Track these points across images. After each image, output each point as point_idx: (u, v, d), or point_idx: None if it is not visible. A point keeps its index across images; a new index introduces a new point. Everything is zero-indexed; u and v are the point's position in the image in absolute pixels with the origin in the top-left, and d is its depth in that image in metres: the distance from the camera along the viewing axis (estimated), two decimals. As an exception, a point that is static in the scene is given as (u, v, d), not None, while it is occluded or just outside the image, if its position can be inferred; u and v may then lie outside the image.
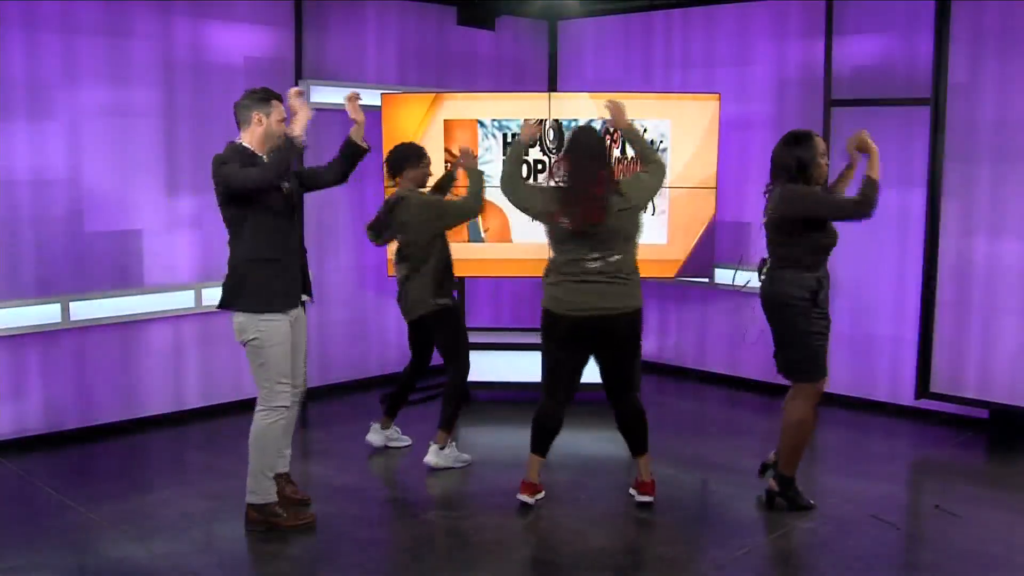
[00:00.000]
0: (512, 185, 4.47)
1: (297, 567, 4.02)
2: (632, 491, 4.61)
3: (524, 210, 4.48)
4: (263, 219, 4.07)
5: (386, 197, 5.24)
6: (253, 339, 4.10)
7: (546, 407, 4.48)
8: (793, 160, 4.30)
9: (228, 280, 4.14)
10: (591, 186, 4.25)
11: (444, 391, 5.15)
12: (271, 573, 4.02)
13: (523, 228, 6.28)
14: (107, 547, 4.05)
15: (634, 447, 4.57)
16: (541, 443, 4.50)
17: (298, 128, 3.95)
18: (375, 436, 5.35)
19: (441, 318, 5.03)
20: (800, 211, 4.28)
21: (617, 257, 4.31)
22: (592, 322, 4.30)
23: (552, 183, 4.47)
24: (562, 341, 4.39)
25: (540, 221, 4.44)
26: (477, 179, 5.00)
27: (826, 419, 6.09)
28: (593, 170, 4.29)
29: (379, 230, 5.13)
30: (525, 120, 4.60)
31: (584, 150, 4.33)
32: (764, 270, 4.44)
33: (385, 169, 5.16)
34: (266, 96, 4.14)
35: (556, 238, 4.36)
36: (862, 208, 4.21)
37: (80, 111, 5.29)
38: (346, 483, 4.86)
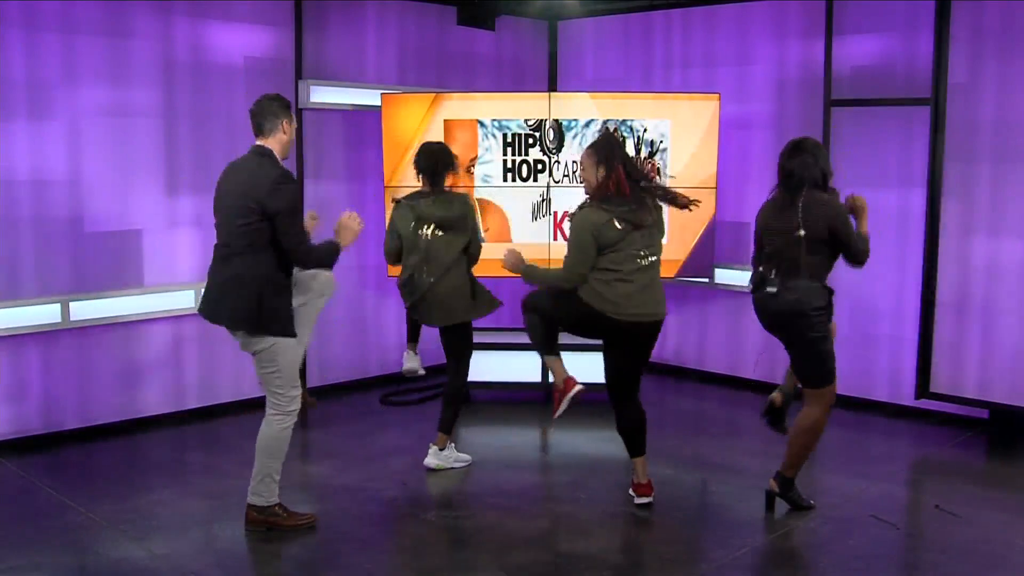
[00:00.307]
0: (560, 275, 4.38)
1: (297, 567, 4.02)
2: (631, 493, 4.61)
3: (590, 258, 4.29)
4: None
5: (420, 194, 4.99)
6: (270, 347, 4.07)
7: (534, 317, 4.43)
8: (819, 171, 4.30)
9: (250, 301, 3.98)
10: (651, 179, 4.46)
11: (444, 394, 5.13)
12: (271, 573, 4.03)
13: (523, 228, 6.29)
14: (107, 547, 4.05)
15: (634, 448, 4.56)
16: (549, 343, 4.46)
17: (348, 242, 4.27)
18: (412, 363, 5.34)
19: (467, 321, 5.07)
20: (837, 229, 4.27)
21: (657, 257, 4.37)
22: (630, 327, 4.30)
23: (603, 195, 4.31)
24: (588, 330, 4.39)
25: (600, 241, 4.28)
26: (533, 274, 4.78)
27: (826, 419, 6.10)
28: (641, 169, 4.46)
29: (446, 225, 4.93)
30: (506, 253, 4.57)
31: (626, 155, 4.39)
32: (770, 280, 4.36)
33: (427, 171, 4.94)
34: (288, 103, 4.14)
35: (607, 242, 4.24)
36: (863, 258, 4.35)
37: (80, 111, 5.29)
38: (346, 483, 4.87)
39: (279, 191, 3.96)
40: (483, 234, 5.13)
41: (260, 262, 4.01)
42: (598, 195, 4.30)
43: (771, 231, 4.39)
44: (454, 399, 5.09)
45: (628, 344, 4.39)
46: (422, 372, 5.35)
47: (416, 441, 5.41)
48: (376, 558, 4.07)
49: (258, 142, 4.10)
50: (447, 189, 4.99)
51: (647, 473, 4.57)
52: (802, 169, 4.27)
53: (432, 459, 5.06)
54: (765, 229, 4.43)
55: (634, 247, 4.26)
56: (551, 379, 4.58)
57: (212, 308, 4.12)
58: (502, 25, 7.23)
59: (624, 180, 4.27)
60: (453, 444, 5.17)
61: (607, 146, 4.36)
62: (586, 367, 5.59)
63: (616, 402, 4.52)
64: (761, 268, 4.42)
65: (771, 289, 4.34)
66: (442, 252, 4.89)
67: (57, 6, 5.16)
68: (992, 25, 5.51)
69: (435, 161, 4.96)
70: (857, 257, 4.34)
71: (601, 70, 7.38)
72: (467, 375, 5.17)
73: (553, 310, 4.43)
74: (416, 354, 5.32)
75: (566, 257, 4.35)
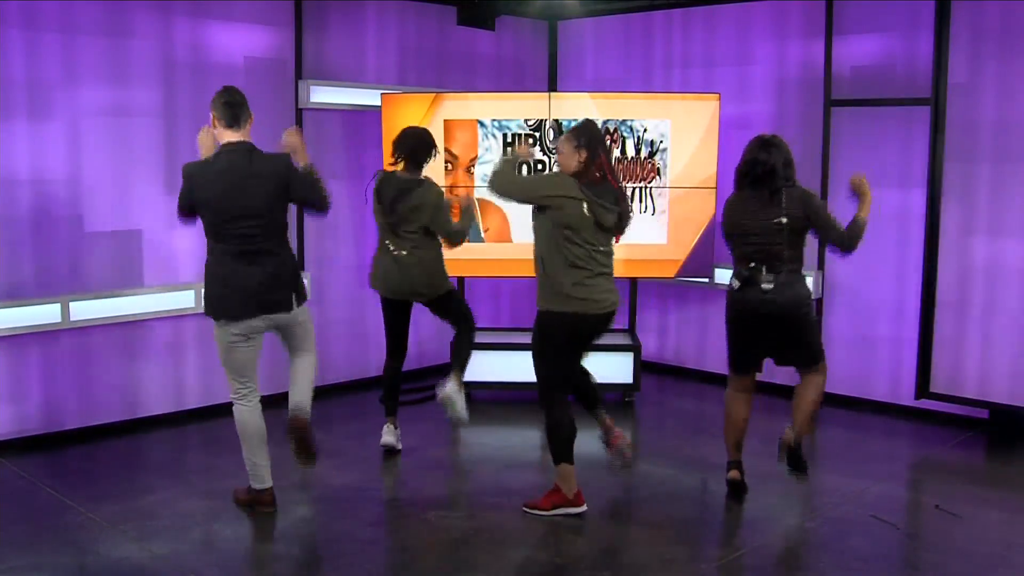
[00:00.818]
0: (507, 179, 4.37)
1: (297, 567, 4.02)
2: (605, 445, 4.68)
3: (528, 195, 4.26)
4: None
5: (391, 172, 5.14)
6: (307, 317, 4.40)
7: (563, 415, 4.36)
8: (793, 169, 4.43)
9: (293, 281, 4.25)
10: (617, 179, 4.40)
11: (462, 338, 5.20)
12: (271, 573, 4.03)
13: (523, 228, 6.27)
14: (107, 547, 4.06)
15: (591, 403, 4.67)
16: (569, 450, 4.41)
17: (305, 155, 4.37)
18: (390, 437, 5.31)
19: (452, 290, 5.25)
20: (815, 213, 4.39)
21: (609, 248, 4.34)
22: (602, 319, 4.29)
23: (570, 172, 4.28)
24: (577, 340, 4.34)
25: (552, 204, 4.19)
26: (469, 217, 5.18)
27: (826, 419, 6.10)
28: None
29: (385, 205, 5.05)
30: (524, 142, 4.54)
31: (608, 148, 4.35)
32: (763, 278, 4.38)
33: (403, 154, 5.04)
34: None
35: (564, 220, 4.16)
36: (852, 243, 4.39)
37: (80, 111, 5.29)
38: (346, 483, 4.87)
39: (295, 171, 4.20)
40: (455, 226, 5.11)
41: (287, 240, 4.30)
42: (582, 180, 4.21)
43: (750, 228, 4.42)
44: (472, 342, 5.20)
45: (591, 337, 4.37)
46: (399, 447, 5.33)
47: (416, 441, 5.42)
48: (376, 558, 4.07)
49: (231, 137, 4.14)
50: (422, 177, 5.06)
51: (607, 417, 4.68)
52: (784, 167, 4.38)
53: (451, 386, 5.07)
54: (742, 227, 4.45)
55: (594, 245, 4.23)
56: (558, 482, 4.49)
57: (262, 302, 4.19)
58: (502, 25, 7.23)
59: (608, 168, 4.25)
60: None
61: (589, 131, 4.28)
62: (591, 367, 5.63)
63: (564, 394, 4.43)
64: (751, 266, 4.42)
65: (766, 286, 4.37)
66: (414, 233, 5.01)
67: (57, 6, 5.16)
68: (992, 25, 5.51)
69: (420, 144, 5.05)
70: (843, 242, 4.39)
71: (601, 70, 7.38)
72: (472, 315, 5.27)
73: (546, 361, 4.36)
74: (395, 428, 5.32)
75: (517, 176, 4.40)
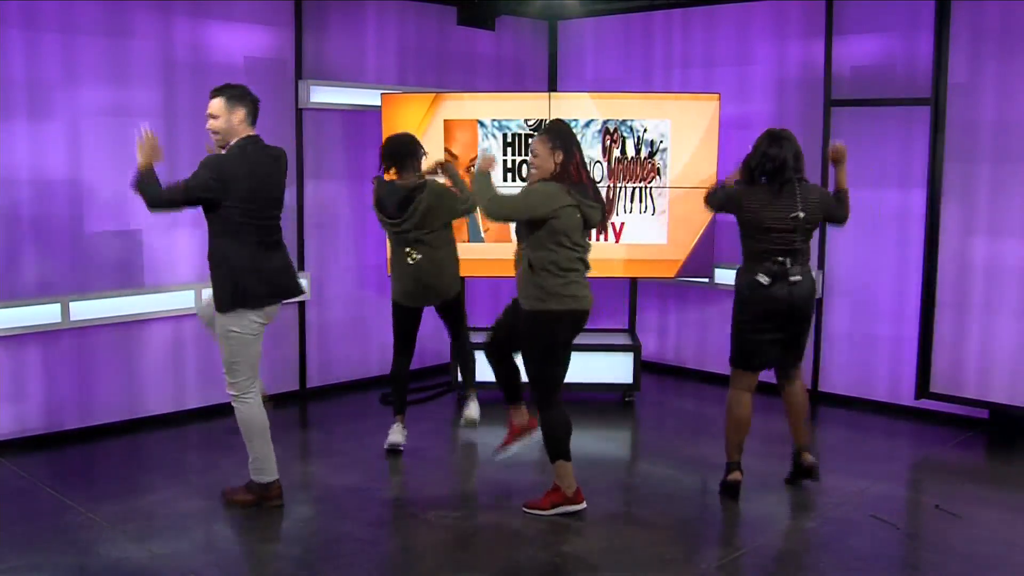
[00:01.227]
0: (504, 202, 4.27)
1: (297, 567, 4.01)
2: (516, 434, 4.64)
3: (534, 214, 4.17)
4: None
5: (389, 181, 5.17)
6: None
7: (560, 413, 4.37)
8: (801, 153, 4.54)
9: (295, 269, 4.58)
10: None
11: (465, 355, 5.49)
12: (271, 573, 4.03)
13: (523, 228, 6.29)
14: (107, 547, 4.05)
15: (513, 394, 4.60)
16: (566, 447, 4.42)
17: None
18: (398, 436, 5.32)
19: (460, 293, 5.35)
20: (831, 210, 4.64)
21: (589, 245, 4.36)
22: (586, 315, 4.34)
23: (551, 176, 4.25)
24: (569, 337, 4.34)
25: (554, 216, 4.15)
26: (461, 183, 5.18)
27: (826, 419, 6.10)
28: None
29: (392, 215, 5.09)
30: (483, 156, 4.52)
31: (580, 147, 4.32)
32: (791, 270, 4.43)
33: (391, 161, 5.10)
34: None
35: (563, 230, 4.17)
36: (847, 215, 4.72)
37: (80, 111, 5.29)
38: (346, 483, 4.87)
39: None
40: (464, 203, 5.13)
41: None
42: (565, 183, 4.19)
43: (770, 224, 4.44)
44: (468, 358, 5.51)
45: (577, 333, 4.38)
46: (404, 446, 5.34)
47: (416, 441, 5.41)
48: (376, 558, 4.07)
49: (248, 132, 4.28)
50: (420, 180, 5.10)
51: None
52: (794, 159, 4.44)
53: (475, 408, 5.54)
54: (760, 223, 4.46)
55: (582, 246, 4.26)
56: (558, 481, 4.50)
57: (288, 286, 4.42)
58: (502, 25, 7.23)
59: (583, 165, 4.26)
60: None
61: (564, 132, 4.26)
62: (591, 367, 5.64)
63: (558, 392, 4.39)
64: (779, 261, 4.43)
65: (795, 278, 4.44)
66: (426, 235, 5.07)
67: (57, 6, 5.16)
68: (992, 25, 5.51)
69: (403, 149, 5.10)
70: (844, 220, 4.72)
71: (601, 70, 7.38)
72: (468, 335, 5.50)
73: (545, 362, 4.32)
74: (403, 427, 5.34)
75: (511, 196, 4.30)
